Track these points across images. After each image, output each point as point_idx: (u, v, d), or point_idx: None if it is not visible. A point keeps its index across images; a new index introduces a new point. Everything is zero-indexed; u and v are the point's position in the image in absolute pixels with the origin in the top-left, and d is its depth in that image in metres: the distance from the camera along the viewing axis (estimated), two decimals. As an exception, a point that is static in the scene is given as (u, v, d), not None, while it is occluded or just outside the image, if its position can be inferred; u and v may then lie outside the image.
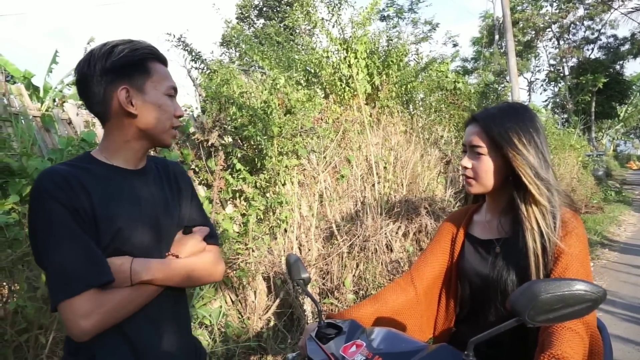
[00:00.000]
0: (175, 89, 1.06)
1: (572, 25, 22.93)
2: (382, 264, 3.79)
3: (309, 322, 3.14)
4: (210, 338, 2.78)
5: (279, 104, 3.41)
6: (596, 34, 23.28)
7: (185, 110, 3.48)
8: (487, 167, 1.14)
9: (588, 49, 23.89)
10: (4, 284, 1.96)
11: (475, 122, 1.17)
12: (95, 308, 0.88)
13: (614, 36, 23.41)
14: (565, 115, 22.32)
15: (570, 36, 23.70)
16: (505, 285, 1.12)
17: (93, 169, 0.99)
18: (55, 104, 4.06)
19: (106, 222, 0.93)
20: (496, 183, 1.14)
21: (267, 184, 3.28)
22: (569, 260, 1.03)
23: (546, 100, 26.41)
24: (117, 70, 0.98)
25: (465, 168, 1.17)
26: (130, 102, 0.98)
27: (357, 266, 3.72)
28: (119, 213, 0.96)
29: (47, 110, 2.94)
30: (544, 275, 1.06)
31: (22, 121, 2.56)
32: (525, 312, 0.70)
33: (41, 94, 6.54)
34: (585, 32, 23.41)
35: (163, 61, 1.07)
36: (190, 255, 1.06)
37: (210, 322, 2.83)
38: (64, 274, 0.88)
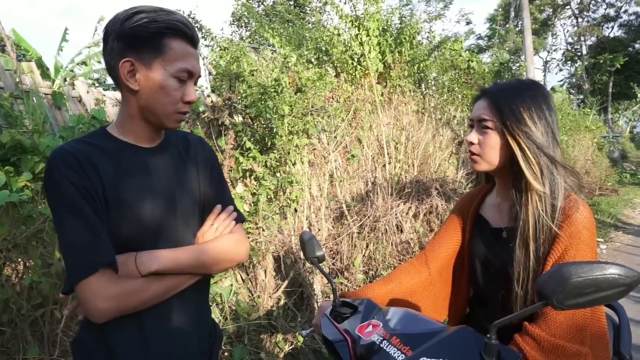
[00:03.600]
0: (190, 72, 0.95)
1: (593, 2, 22.15)
2: (392, 244, 3.78)
3: (318, 301, 3.16)
4: (221, 316, 2.81)
5: (289, 82, 3.36)
6: (617, 12, 22.49)
7: (196, 89, 3.45)
8: (494, 142, 1.09)
9: (608, 27, 23.13)
10: (19, 260, 1.99)
11: (485, 96, 1.13)
12: (115, 292, 0.87)
13: (636, 13, 22.61)
14: (581, 96, 21.81)
15: (590, 13, 22.94)
16: (508, 273, 1.09)
17: (106, 145, 0.96)
18: (66, 82, 4.05)
19: (116, 200, 0.92)
20: (502, 161, 1.10)
21: (278, 163, 3.25)
22: (566, 245, 0.99)
23: (562, 80, 25.80)
24: (127, 40, 0.91)
25: (471, 143, 1.13)
26: (133, 77, 0.92)
27: (367, 246, 3.71)
28: (129, 191, 0.94)
29: (58, 88, 2.93)
30: (536, 262, 1.03)
31: (34, 99, 2.55)
32: (553, 296, 0.67)
33: (52, 73, 6.54)
34: (605, 9, 22.63)
35: (189, 39, 0.95)
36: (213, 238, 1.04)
37: (222, 299, 2.85)
38: (75, 256, 0.87)
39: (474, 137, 1.13)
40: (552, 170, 1.04)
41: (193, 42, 0.96)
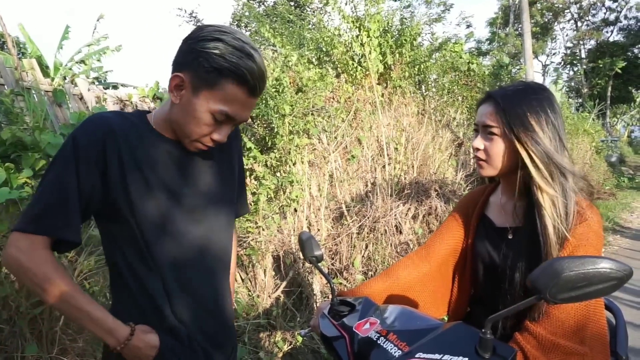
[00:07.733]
0: (229, 117, 0.93)
1: (592, 6, 22.22)
2: (391, 245, 3.79)
3: (317, 301, 3.16)
4: (220, 314, 2.81)
5: (290, 82, 3.37)
6: (617, 16, 22.55)
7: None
8: (500, 149, 1.07)
9: (607, 31, 23.20)
10: (19, 256, 1.98)
11: (491, 100, 1.10)
12: (23, 260, 0.87)
13: (636, 18, 22.64)
14: (580, 100, 21.85)
15: (590, 17, 23.01)
16: (513, 274, 1.09)
17: (141, 129, 0.99)
18: (66, 81, 4.06)
19: (133, 183, 0.93)
20: (510, 165, 1.09)
21: (278, 162, 3.26)
22: (574, 246, 1.00)
23: (561, 84, 25.83)
24: (193, 59, 0.90)
25: (477, 149, 1.12)
26: (179, 91, 0.93)
27: (366, 247, 3.72)
28: (145, 177, 0.95)
29: (58, 86, 2.93)
30: None
31: (34, 96, 2.55)
32: (546, 290, 0.68)
33: (51, 71, 6.53)
34: (605, 13, 22.70)
35: (249, 88, 0.91)
36: None
37: (220, 298, 2.85)
38: (34, 208, 0.89)
39: (479, 143, 1.11)
40: (560, 177, 1.03)
41: (252, 91, 0.93)
